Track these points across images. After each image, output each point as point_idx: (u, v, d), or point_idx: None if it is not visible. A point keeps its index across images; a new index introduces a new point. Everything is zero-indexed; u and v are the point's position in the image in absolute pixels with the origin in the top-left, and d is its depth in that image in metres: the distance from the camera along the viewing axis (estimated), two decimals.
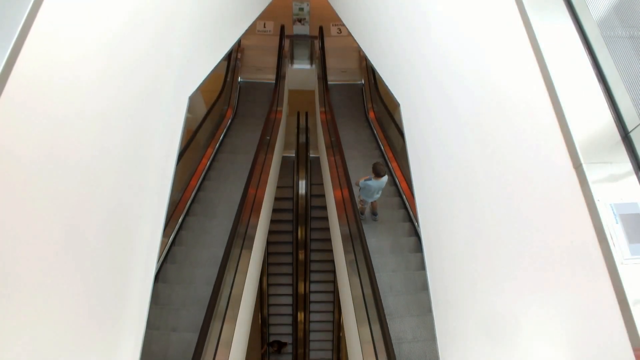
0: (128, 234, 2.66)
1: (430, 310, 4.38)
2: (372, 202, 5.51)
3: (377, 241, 5.51)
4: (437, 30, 3.14)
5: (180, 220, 5.77)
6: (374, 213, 5.77)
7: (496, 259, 2.21)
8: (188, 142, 6.21)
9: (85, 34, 2.14)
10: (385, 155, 7.31)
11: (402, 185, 6.48)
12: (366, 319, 4.17)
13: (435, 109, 3.17)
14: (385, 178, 4.98)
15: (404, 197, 6.29)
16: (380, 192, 5.27)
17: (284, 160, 8.45)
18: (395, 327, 4.36)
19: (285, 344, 9.39)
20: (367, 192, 5.19)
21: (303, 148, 9.05)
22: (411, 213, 5.95)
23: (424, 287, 4.82)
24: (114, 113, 2.46)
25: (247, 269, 4.55)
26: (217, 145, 7.52)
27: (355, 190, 5.44)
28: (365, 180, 5.06)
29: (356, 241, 4.97)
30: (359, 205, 5.58)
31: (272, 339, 9.85)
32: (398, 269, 5.17)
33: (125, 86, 2.60)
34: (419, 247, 5.34)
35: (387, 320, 3.99)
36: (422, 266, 4.97)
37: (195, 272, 5.06)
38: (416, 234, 5.58)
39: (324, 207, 7.46)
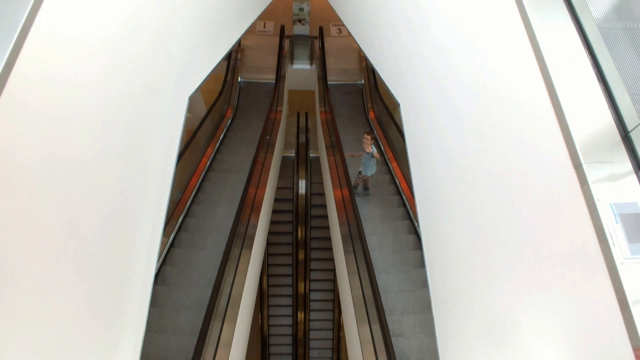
0: (128, 233, 2.66)
1: (415, 267, 5.12)
2: (365, 178, 5.94)
3: (369, 210, 6.02)
4: (437, 30, 3.14)
5: (164, 251, 5.20)
6: (366, 188, 6.19)
7: (496, 259, 2.21)
8: (186, 143, 6.21)
9: (85, 34, 2.14)
10: (386, 155, 7.31)
11: (392, 163, 6.95)
12: (366, 319, 4.17)
13: (435, 109, 3.17)
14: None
15: (395, 175, 6.83)
16: (376, 167, 5.67)
17: (284, 160, 8.45)
18: (383, 280, 4.81)
19: None
20: (365, 165, 5.64)
21: (303, 148, 9.05)
22: (400, 188, 6.49)
23: (409, 247, 5.44)
24: (114, 113, 2.46)
25: (247, 269, 4.55)
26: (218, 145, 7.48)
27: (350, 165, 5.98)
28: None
29: (356, 241, 4.97)
30: (353, 181, 6.04)
31: (272, 340, 9.84)
32: (387, 234, 5.72)
33: (125, 86, 2.60)
34: (406, 215, 5.98)
35: (376, 275, 4.43)
36: (408, 231, 5.70)
37: (179, 318, 4.46)
38: (404, 205, 6.17)
39: (324, 206, 7.47)
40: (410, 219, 5.91)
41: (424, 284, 4.70)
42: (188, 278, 4.97)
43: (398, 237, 5.67)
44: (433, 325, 2.97)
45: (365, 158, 5.51)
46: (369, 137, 5.32)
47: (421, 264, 4.93)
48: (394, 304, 4.66)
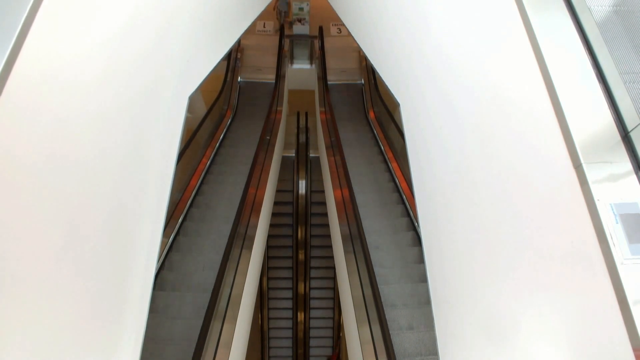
0: (128, 234, 2.66)
1: (409, 246, 5.36)
2: None
3: (365, 197, 6.19)
4: (437, 30, 3.14)
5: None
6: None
7: (496, 259, 2.21)
8: (186, 143, 6.20)
9: (85, 34, 2.14)
10: (386, 155, 7.32)
11: (392, 163, 7.03)
12: (366, 319, 4.17)
13: (435, 109, 3.17)
14: None
15: (389, 162, 7.03)
16: None
17: (284, 160, 8.45)
18: (376, 258, 5.10)
19: None
20: None
21: (303, 148, 9.06)
22: (394, 174, 6.76)
23: (403, 228, 5.72)
24: (114, 113, 2.46)
25: (247, 269, 4.55)
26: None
27: None
28: None
29: (356, 241, 4.97)
30: None
31: (272, 341, 9.84)
32: (382, 214, 6.08)
33: (125, 86, 2.60)
34: (400, 200, 6.24)
35: (370, 251, 4.64)
36: (402, 214, 5.96)
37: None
38: (398, 191, 6.42)
39: (324, 206, 7.47)
40: (398, 190, 6.31)
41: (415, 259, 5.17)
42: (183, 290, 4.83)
43: (392, 219, 6.00)
44: (422, 297, 2.98)
45: None
46: None
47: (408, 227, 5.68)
48: (385, 279, 4.94)
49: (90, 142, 2.18)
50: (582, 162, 1.56)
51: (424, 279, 5.12)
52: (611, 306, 1.39)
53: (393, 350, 3.69)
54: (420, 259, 5.39)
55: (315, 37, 9.94)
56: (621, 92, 1.67)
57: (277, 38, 9.90)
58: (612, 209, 1.47)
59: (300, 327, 9.69)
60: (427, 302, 4.99)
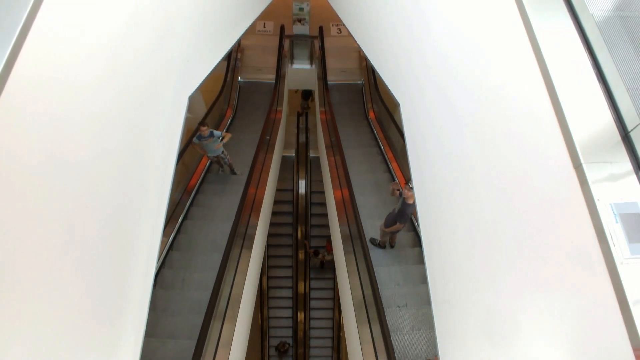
0: (128, 234, 2.66)
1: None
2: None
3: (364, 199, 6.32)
4: (437, 30, 3.14)
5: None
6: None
7: (496, 259, 2.21)
8: (186, 144, 6.19)
9: (85, 34, 2.14)
10: (385, 155, 7.32)
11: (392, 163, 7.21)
12: (366, 319, 4.17)
13: (435, 108, 3.17)
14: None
15: (389, 162, 7.31)
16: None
17: (284, 160, 8.45)
18: (360, 200, 5.66)
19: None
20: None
21: (303, 148, 9.05)
22: (394, 174, 7.03)
23: (383, 182, 6.49)
24: (114, 113, 2.45)
25: (247, 269, 4.55)
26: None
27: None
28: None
29: (356, 241, 4.97)
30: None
31: (272, 340, 9.84)
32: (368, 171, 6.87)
33: (125, 86, 2.59)
34: (388, 170, 6.72)
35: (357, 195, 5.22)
36: (387, 168, 6.75)
37: None
38: (385, 162, 7.07)
39: (324, 206, 7.47)
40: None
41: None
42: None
43: (378, 175, 6.74)
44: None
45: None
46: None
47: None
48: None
49: (91, 142, 2.18)
50: (582, 162, 1.56)
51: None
52: (611, 306, 1.39)
53: (393, 350, 3.69)
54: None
55: (315, 37, 9.94)
56: (621, 92, 1.67)
57: (277, 38, 9.89)
58: (612, 209, 1.47)
59: (301, 326, 9.69)
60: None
